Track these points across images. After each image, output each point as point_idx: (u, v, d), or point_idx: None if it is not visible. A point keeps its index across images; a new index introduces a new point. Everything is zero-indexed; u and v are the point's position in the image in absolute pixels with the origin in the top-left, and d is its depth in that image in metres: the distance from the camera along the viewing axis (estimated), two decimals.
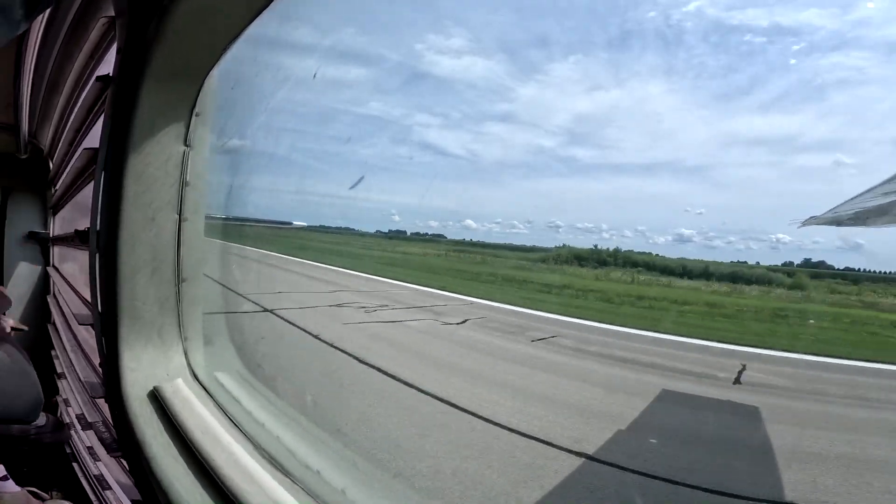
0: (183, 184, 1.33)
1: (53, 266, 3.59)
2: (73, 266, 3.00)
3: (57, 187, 3.64)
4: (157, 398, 1.26)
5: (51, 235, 3.83)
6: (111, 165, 1.33)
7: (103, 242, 1.33)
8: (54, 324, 3.58)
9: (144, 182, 1.29)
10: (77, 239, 1.67)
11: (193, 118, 1.38)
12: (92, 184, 2.10)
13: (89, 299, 2.07)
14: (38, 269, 4.12)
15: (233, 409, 1.25)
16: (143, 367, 1.30)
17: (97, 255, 1.36)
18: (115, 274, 1.28)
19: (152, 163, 1.31)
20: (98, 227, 1.36)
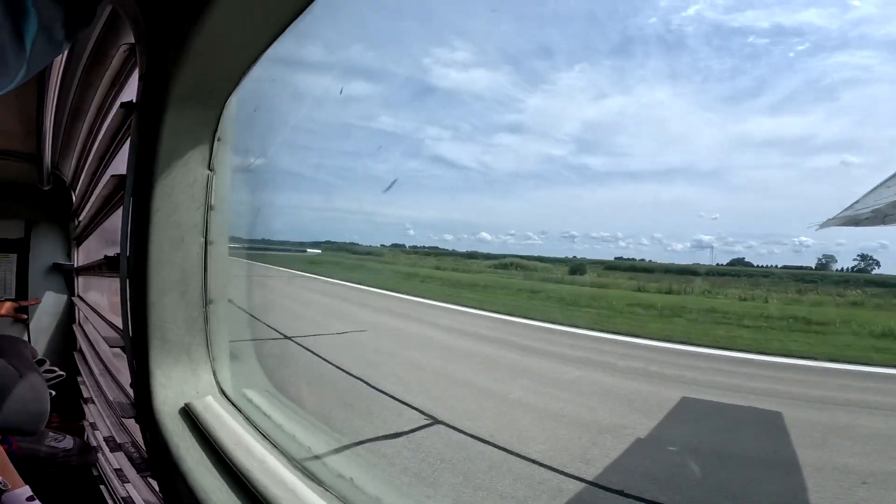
0: (208, 208, 1.37)
1: (78, 296, 3.68)
2: (99, 294, 3.07)
3: (80, 218, 3.74)
4: (188, 414, 1.29)
5: (75, 266, 3.93)
6: (139, 190, 1.38)
7: (133, 267, 1.37)
8: (80, 351, 3.66)
9: (171, 206, 1.33)
10: (106, 266, 1.72)
11: (215, 142, 1.42)
12: (116, 212, 2.17)
13: (116, 323, 2.12)
14: (63, 298, 4.22)
15: (263, 423, 1.27)
16: (173, 385, 1.34)
17: (127, 281, 1.40)
18: (145, 297, 1.32)
19: (178, 186, 1.35)
20: (128, 253, 1.40)
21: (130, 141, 1.52)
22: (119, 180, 1.69)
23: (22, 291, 4.37)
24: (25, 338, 4.02)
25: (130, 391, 1.77)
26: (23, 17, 0.81)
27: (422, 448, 5.00)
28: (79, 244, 3.93)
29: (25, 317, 3.90)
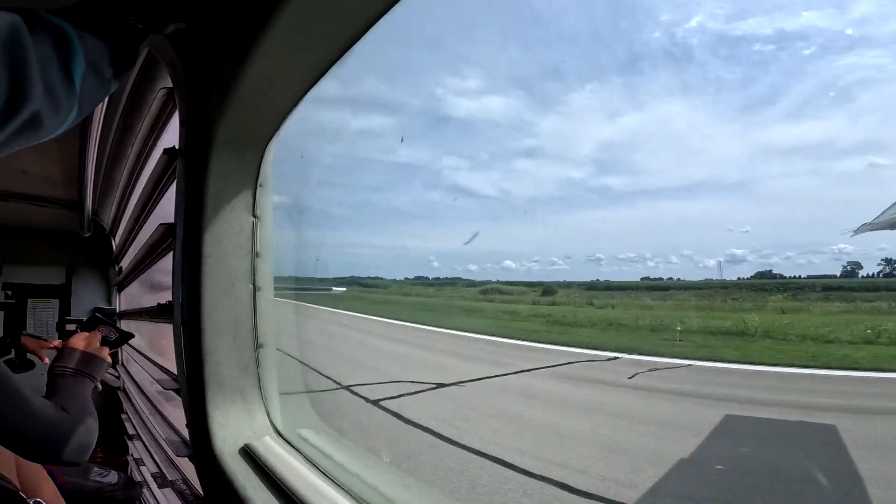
0: (254, 255, 1.42)
1: None
2: (145, 338, 3.18)
3: (122, 264, 3.88)
4: (249, 454, 1.34)
5: (118, 311, 4.06)
6: (188, 239, 1.42)
7: (186, 314, 1.43)
8: (125, 390, 3.77)
9: (221, 254, 1.38)
10: (157, 312, 1.79)
11: (258, 188, 1.46)
12: (162, 260, 2.24)
13: (166, 366, 2.19)
14: None
15: (324, 462, 1.30)
16: (230, 426, 1.38)
17: (181, 327, 1.46)
18: (200, 342, 1.37)
19: (226, 234, 1.40)
20: (181, 300, 1.46)
21: (177, 188, 1.55)
22: (167, 228, 1.76)
23: (64, 336, 4.54)
24: None
25: (182, 430, 1.83)
26: (70, 53, 0.81)
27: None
28: (120, 290, 4.06)
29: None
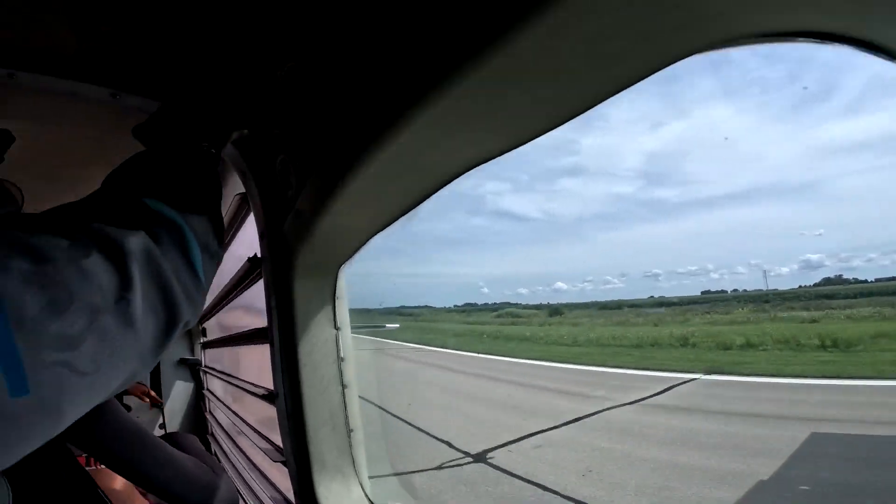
0: (339, 360, 1.77)
1: (208, 390, 4.28)
2: (230, 397, 3.60)
3: (205, 326, 4.40)
4: None
5: (203, 366, 4.55)
6: (284, 347, 1.74)
7: (290, 406, 1.78)
8: (213, 435, 4.25)
9: (314, 363, 1.71)
10: (261, 396, 2.18)
11: (336, 302, 1.77)
12: (253, 345, 2.62)
13: (266, 434, 2.58)
14: (191, 387, 4.87)
15: None
16: (333, 499, 1.73)
17: (286, 414, 1.82)
18: (304, 429, 1.70)
19: (316, 345, 1.73)
20: (283, 392, 1.81)
21: (266, 298, 1.84)
22: (260, 331, 2.13)
23: (155, 381, 5.08)
24: (161, 420, 4.68)
25: (284, 490, 2.21)
26: (188, 248, 0.78)
27: None
28: (204, 348, 4.57)
29: (160, 401, 4.53)
